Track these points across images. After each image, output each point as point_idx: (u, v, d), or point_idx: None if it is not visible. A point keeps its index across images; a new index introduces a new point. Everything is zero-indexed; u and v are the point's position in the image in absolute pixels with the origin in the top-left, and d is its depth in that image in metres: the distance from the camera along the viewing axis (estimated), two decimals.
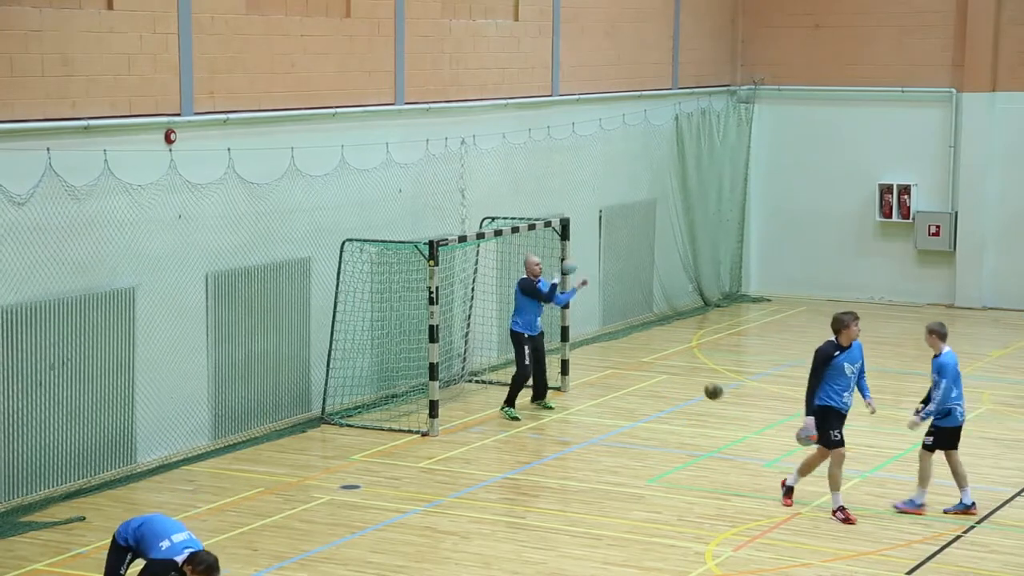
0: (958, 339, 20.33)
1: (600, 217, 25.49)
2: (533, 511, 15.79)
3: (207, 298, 17.95)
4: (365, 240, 19.70)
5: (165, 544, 11.12)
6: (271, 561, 14.18)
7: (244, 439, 18.37)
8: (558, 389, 21.18)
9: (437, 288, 18.75)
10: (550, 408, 20.13)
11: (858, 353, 15.61)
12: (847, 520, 15.37)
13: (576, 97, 24.69)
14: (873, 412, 16.02)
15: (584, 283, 20.44)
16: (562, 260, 20.97)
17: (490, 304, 22.30)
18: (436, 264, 18.67)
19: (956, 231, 27.63)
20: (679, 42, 27.50)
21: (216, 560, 10.95)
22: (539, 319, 19.95)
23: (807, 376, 15.53)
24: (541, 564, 14.16)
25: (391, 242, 19.83)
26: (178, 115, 17.42)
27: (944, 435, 15.69)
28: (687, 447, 18.38)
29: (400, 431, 18.92)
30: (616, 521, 15.44)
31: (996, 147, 27.46)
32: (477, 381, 21.72)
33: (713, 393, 15.98)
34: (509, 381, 20.59)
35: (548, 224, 21.23)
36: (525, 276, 19.99)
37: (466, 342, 21.91)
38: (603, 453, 18.12)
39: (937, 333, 15.70)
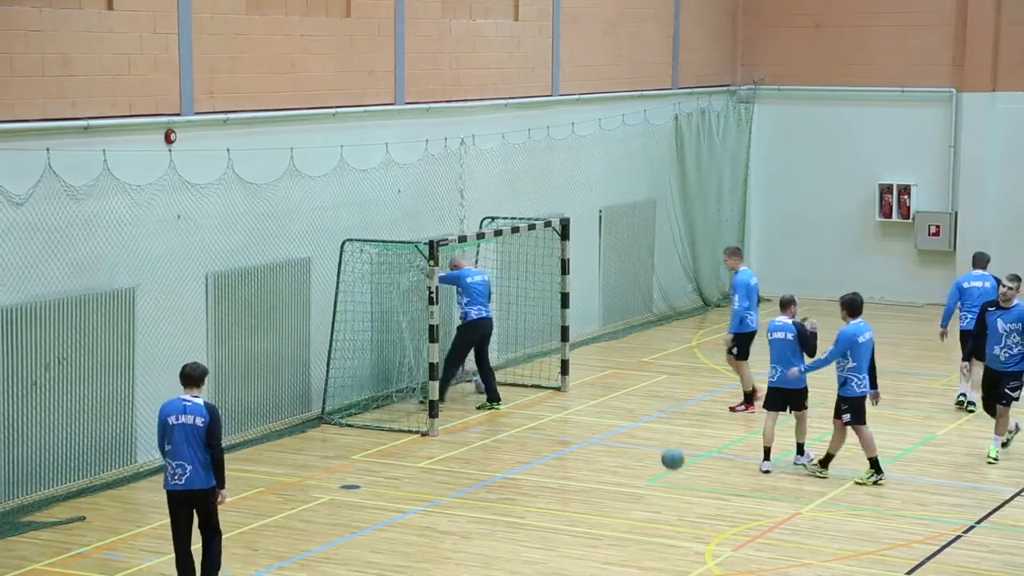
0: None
1: (600, 217, 25.49)
2: (533, 511, 15.78)
3: (207, 298, 17.95)
4: (365, 240, 19.71)
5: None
6: (271, 561, 14.18)
7: (244, 439, 18.36)
8: (558, 389, 21.20)
9: (437, 288, 18.77)
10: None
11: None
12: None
13: (576, 97, 24.69)
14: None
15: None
16: None
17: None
18: (436, 264, 18.68)
19: (956, 231, 27.63)
20: (679, 42, 27.49)
21: (182, 369, 13.14)
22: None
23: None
24: (541, 564, 14.16)
25: (391, 242, 19.83)
26: (178, 115, 17.42)
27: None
28: (687, 447, 18.34)
29: (400, 431, 18.92)
30: (616, 521, 15.44)
31: (996, 147, 27.45)
32: (477, 381, 21.68)
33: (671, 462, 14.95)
34: (509, 382, 20.54)
35: (548, 224, 21.22)
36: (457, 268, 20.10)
37: None
38: (603, 453, 18.12)
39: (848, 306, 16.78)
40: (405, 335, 20.26)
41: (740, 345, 19.84)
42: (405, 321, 20.23)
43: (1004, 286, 17.11)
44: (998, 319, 17.03)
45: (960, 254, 27.57)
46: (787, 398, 17.05)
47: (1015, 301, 17.07)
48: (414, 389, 20.31)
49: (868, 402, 16.52)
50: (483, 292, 20.04)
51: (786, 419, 17.33)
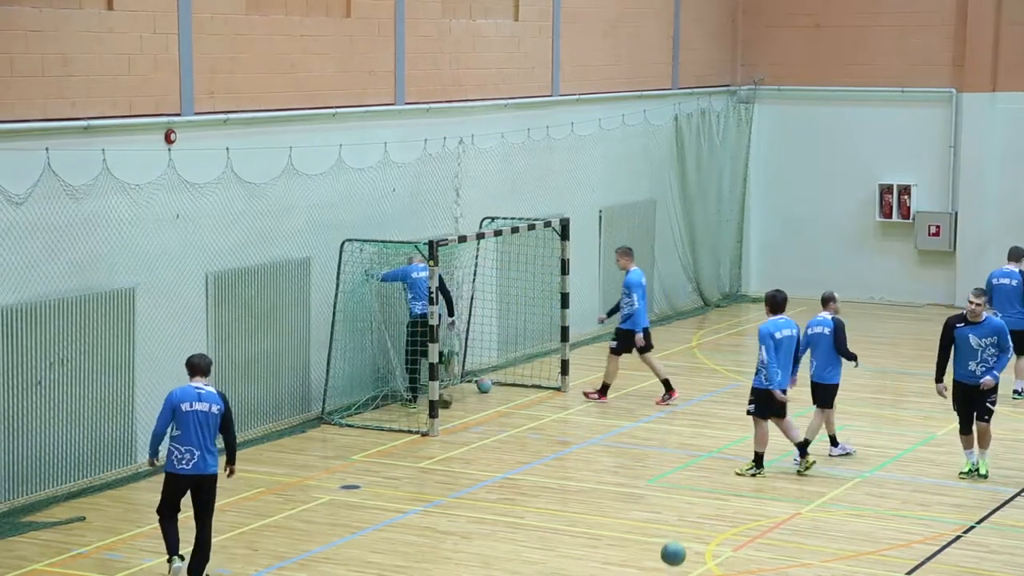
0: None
1: (600, 217, 25.49)
2: (532, 511, 15.78)
3: (207, 298, 17.95)
4: (365, 240, 19.71)
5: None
6: (271, 561, 14.18)
7: (244, 439, 18.34)
8: (558, 389, 21.20)
9: (437, 288, 18.77)
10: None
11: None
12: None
13: (576, 97, 24.69)
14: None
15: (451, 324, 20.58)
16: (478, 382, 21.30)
17: (490, 304, 22.30)
18: (436, 264, 18.68)
19: (956, 231, 27.65)
20: (679, 42, 27.50)
21: (190, 360, 13.36)
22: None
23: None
24: (540, 564, 14.16)
25: (391, 242, 19.83)
26: (178, 115, 17.42)
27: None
28: (687, 447, 18.38)
29: (400, 431, 18.92)
30: (616, 521, 15.44)
31: (996, 147, 27.46)
32: (477, 381, 21.68)
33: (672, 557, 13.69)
34: (509, 382, 20.40)
35: (548, 224, 21.22)
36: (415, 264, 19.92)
37: (466, 342, 21.89)
38: (603, 453, 18.12)
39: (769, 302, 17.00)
40: (386, 337, 20.25)
41: (622, 340, 20.30)
42: (379, 323, 20.23)
43: (972, 302, 16.60)
44: (969, 335, 16.49)
45: (960, 254, 27.61)
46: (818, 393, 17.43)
47: (984, 315, 16.64)
48: (400, 391, 20.32)
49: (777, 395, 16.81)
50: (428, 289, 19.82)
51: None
